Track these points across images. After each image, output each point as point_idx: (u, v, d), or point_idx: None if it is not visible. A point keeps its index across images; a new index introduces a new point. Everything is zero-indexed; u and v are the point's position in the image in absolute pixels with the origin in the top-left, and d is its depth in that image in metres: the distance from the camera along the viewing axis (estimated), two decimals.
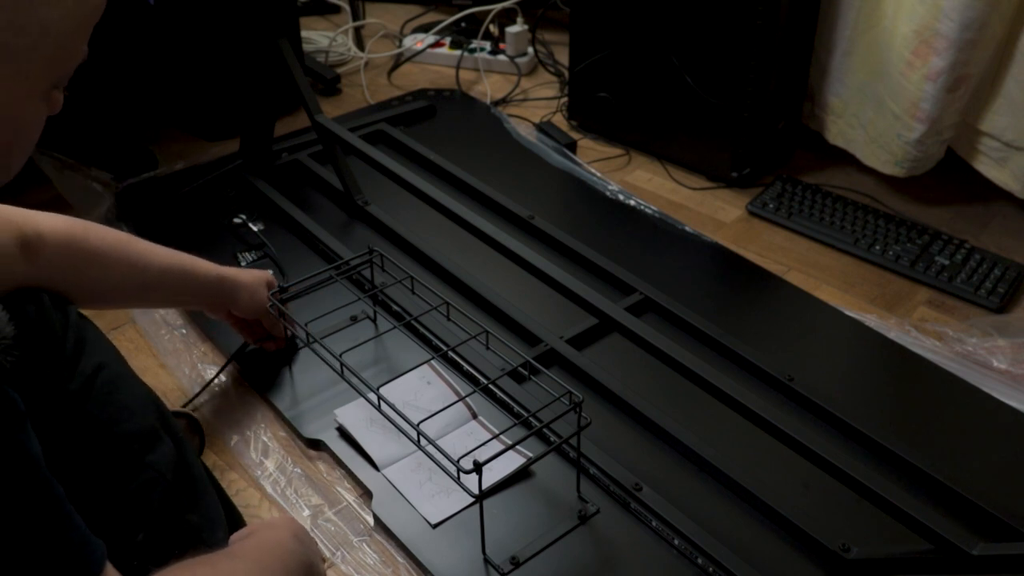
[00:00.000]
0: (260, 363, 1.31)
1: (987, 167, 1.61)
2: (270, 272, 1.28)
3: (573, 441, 1.08)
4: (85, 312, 0.99)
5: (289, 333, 1.31)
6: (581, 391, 1.12)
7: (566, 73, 1.99)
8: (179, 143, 1.87)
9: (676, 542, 1.06)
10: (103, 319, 1.39)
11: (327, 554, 1.07)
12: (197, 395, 1.27)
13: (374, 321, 1.38)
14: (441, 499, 1.11)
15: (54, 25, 0.63)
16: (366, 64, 2.19)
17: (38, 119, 0.67)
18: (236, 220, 1.60)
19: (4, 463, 0.63)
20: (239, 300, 1.21)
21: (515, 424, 1.18)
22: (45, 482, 0.66)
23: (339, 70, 2.15)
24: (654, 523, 1.08)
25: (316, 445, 1.21)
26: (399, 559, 1.07)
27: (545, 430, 1.10)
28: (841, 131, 1.75)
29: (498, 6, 2.19)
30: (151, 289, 1.10)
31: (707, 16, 1.63)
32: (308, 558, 0.90)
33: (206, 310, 1.23)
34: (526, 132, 1.91)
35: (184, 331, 1.39)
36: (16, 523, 0.63)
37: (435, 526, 1.08)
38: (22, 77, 0.63)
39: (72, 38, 0.65)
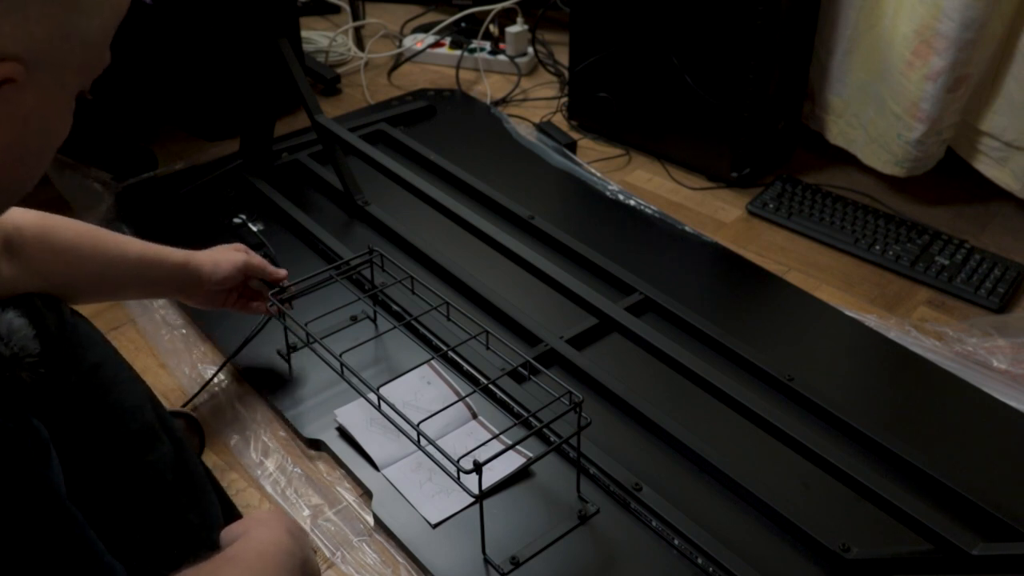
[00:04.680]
0: (260, 363, 1.31)
1: (987, 167, 1.61)
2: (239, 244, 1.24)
3: (573, 441, 1.09)
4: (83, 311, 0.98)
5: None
6: (581, 391, 1.12)
7: (566, 73, 1.98)
8: (179, 143, 1.87)
9: (676, 542, 1.06)
10: (102, 319, 1.39)
11: (327, 554, 1.07)
12: (197, 395, 1.27)
13: (374, 321, 1.38)
14: (441, 499, 1.11)
15: (92, 33, 0.63)
16: (366, 64, 2.19)
17: (68, 125, 0.67)
18: (236, 220, 1.60)
19: (28, 497, 0.63)
20: (203, 276, 1.17)
21: (515, 424, 1.18)
22: (67, 513, 0.66)
23: (339, 70, 2.15)
24: (654, 523, 1.08)
25: (316, 445, 1.21)
26: (399, 559, 1.07)
27: (545, 430, 1.10)
28: (841, 131, 1.75)
29: (498, 6, 2.19)
30: (127, 280, 1.08)
31: (707, 16, 1.63)
32: (304, 552, 0.90)
33: (180, 298, 1.21)
34: (526, 132, 1.91)
35: (184, 331, 1.39)
36: (42, 556, 0.63)
37: (435, 526, 1.08)
38: (60, 87, 0.63)
39: (104, 44, 0.65)
